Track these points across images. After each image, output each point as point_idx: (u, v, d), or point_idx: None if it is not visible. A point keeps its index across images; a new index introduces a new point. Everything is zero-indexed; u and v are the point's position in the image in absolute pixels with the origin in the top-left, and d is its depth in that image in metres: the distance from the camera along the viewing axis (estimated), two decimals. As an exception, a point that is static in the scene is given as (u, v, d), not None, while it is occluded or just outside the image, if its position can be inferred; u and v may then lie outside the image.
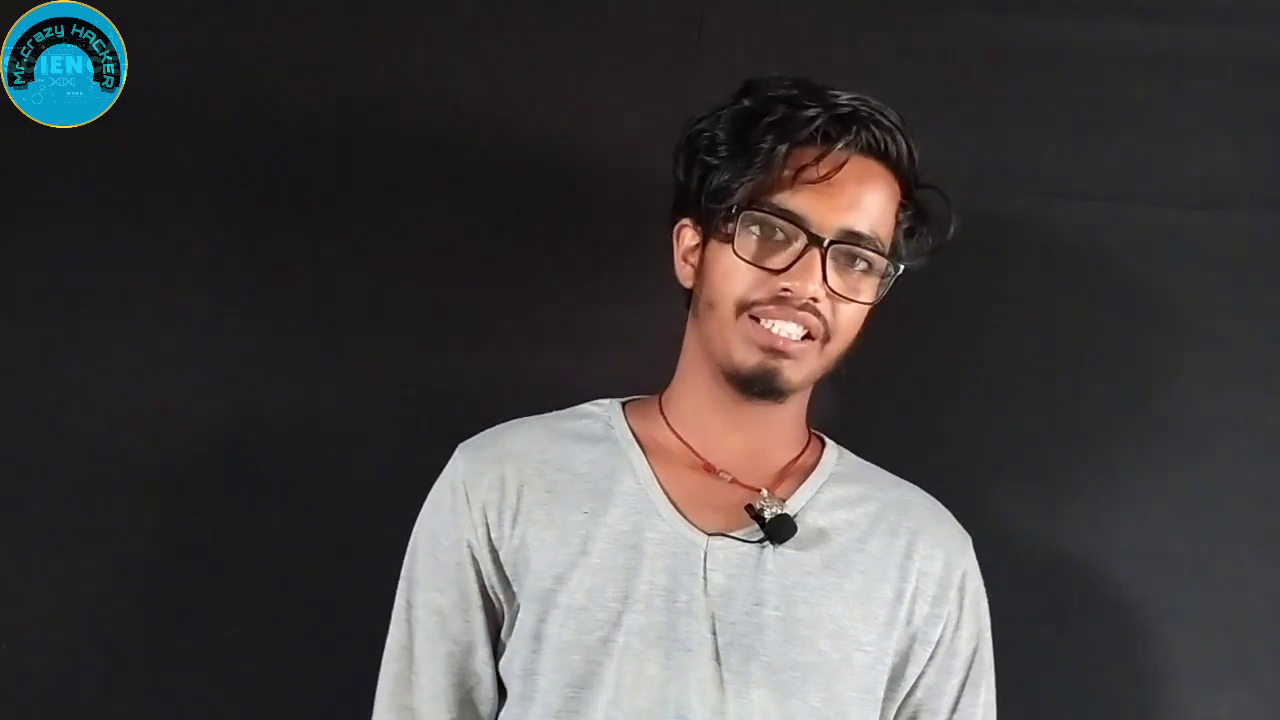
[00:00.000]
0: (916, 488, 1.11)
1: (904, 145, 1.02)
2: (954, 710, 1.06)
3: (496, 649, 1.07)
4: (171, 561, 1.27)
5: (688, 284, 1.07)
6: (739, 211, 1.00)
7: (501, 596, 1.05)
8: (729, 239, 1.01)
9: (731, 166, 1.00)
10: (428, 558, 1.06)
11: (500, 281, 1.31)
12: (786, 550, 1.02)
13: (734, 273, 1.01)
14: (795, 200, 0.99)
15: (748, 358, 1.01)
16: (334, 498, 1.27)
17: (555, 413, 1.12)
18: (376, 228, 1.31)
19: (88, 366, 1.27)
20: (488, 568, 1.04)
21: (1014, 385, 1.31)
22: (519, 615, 1.03)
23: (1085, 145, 1.32)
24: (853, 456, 1.13)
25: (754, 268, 1.00)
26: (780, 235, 1.00)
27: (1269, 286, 1.30)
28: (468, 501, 1.05)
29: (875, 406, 1.29)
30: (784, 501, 1.05)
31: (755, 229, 1.00)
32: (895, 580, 1.04)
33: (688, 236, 1.06)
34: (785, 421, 1.09)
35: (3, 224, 1.28)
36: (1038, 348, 1.31)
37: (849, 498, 1.07)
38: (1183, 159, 1.31)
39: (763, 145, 0.98)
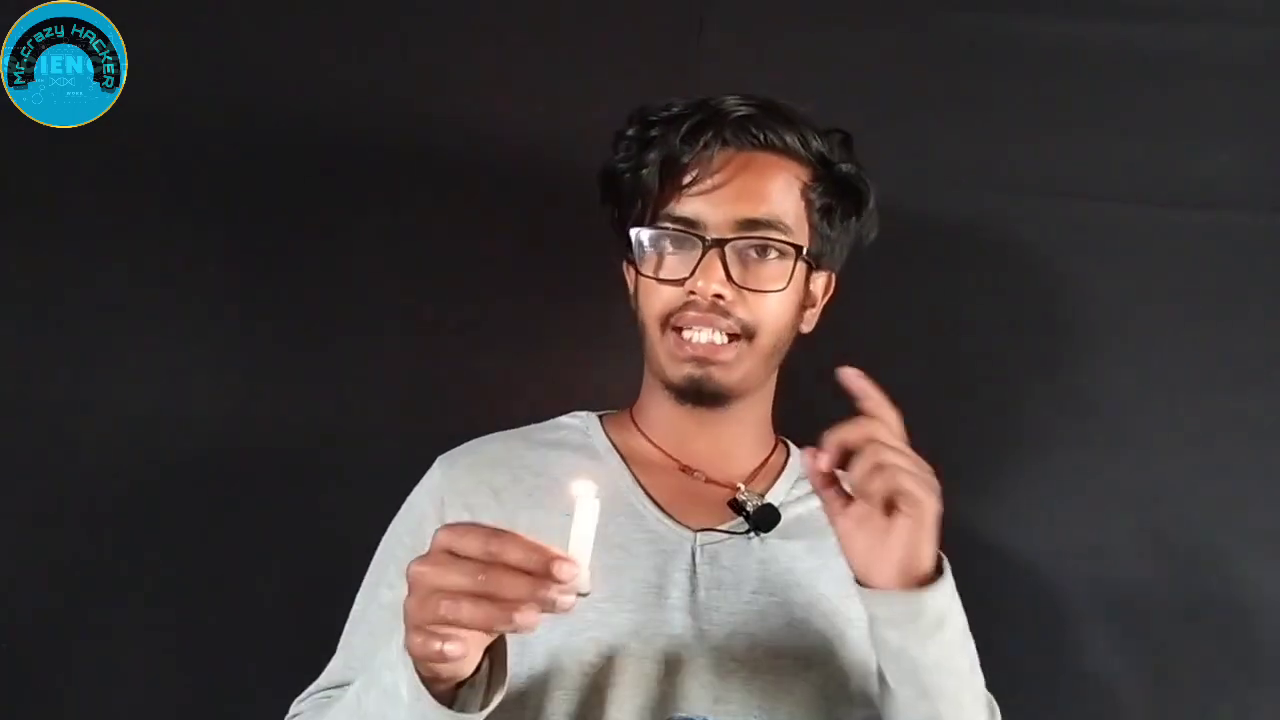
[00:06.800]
0: None
1: (799, 134, 1.05)
2: None
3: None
4: (171, 562, 1.27)
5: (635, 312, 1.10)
6: (633, 231, 1.05)
7: None
8: (638, 262, 1.06)
9: (627, 196, 1.06)
10: (398, 567, 1.02)
11: (498, 283, 1.31)
12: (772, 540, 1.04)
13: (650, 291, 1.05)
14: (684, 208, 1.03)
15: (676, 371, 1.05)
16: (332, 499, 1.27)
17: (532, 425, 1.13)
18: (376, 228, 1.31)
19: (87, 366, 1.27)
20: None
21: (1013, 385, 1.31)
22: None
23: (1085, 145, 1.32)
24: None
25: (665, 283, 1.04)
26: (680, 245, 1.03)
27: (1269, 286, 1.30)
28: (443, 510, 1.04)
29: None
30: (762, 495, 1.07)
31: (655, 245, 1.04)
32: None
33: (630, 272, 1.10)
34: (750, 421, 1.11)
35: (3, 224, 1.28)
36: (1037, 347, 1.31)
37: None
38: (1183, 159, 1.31)
39: (643, 168, 1.03)
